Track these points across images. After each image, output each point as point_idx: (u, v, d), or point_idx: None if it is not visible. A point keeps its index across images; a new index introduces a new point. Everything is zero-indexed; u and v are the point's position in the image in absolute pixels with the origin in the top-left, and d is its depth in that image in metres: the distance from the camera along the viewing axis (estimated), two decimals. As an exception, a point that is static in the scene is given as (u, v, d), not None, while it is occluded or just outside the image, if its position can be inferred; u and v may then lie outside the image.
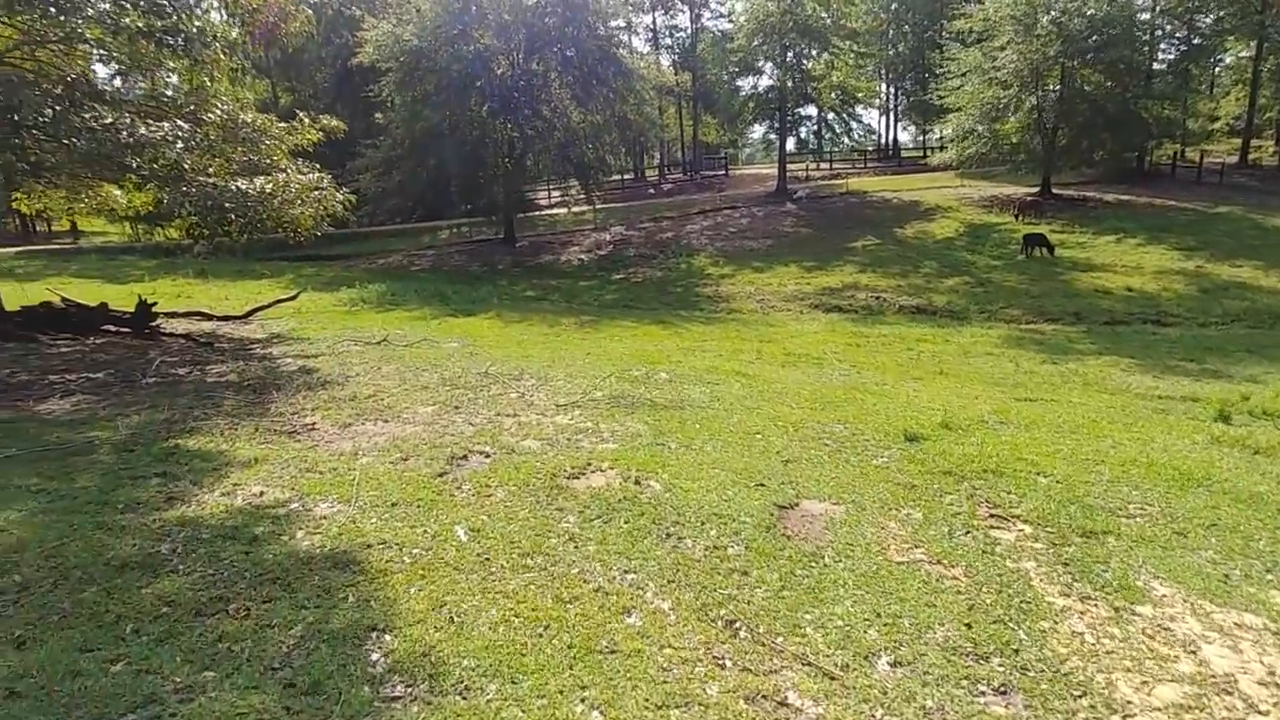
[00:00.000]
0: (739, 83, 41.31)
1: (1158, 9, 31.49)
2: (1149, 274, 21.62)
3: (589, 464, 5.37)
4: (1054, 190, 32.65)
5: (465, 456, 5.64)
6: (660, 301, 22.10)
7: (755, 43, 34.44)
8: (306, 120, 10.55)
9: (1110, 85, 30.38)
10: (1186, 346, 14.52)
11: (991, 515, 4.61)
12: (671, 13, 47.89)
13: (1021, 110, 30.91)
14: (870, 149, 53.49)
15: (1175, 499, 5.08)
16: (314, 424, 6.64)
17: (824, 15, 35.50)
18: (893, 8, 51.07)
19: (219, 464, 5.57)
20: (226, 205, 9.43)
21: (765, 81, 36.40)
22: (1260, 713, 2.88)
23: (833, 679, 2.99)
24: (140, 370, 9.11)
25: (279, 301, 15.00)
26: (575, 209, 35.34)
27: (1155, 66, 36.41)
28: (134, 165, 8.90)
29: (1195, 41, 38.19)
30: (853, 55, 38.19)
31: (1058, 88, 30.14)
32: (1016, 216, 29.14)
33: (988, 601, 3.53)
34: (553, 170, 32.36)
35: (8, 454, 5.78)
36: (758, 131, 43.22)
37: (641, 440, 6.28)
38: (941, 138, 39.84)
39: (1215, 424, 8.02)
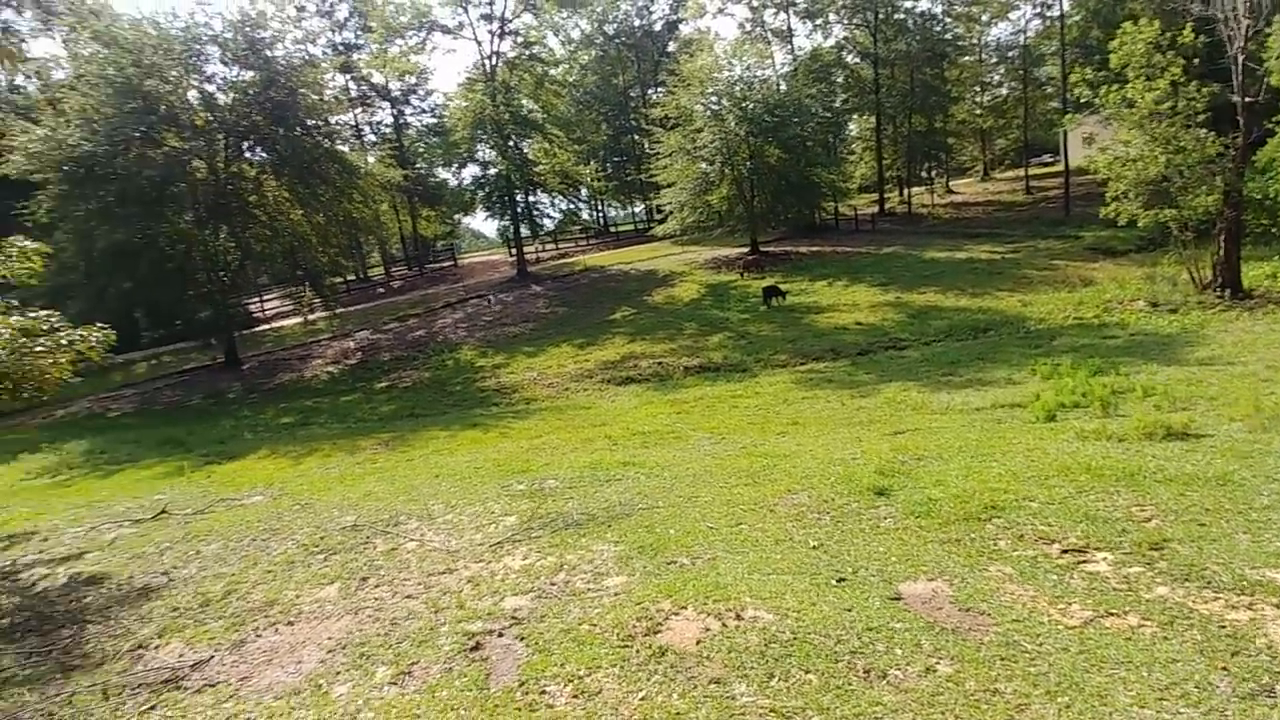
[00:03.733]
0: (464, 172, 41.37)
1: (805, 94, 38.14)
2: (866, 309, 25.31)
3: (644, 612, 4.38)
4: (760, 248, 37.21)
5: (476, 646, 4.26)
6: (446, 404, 20.49)
7: (476, 133, 34.81)
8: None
9: (788, 158, 35.73)
10: (935, 364, 17.00)
11: (1064, 551, 4.64)
12: (371, 109, 46.50)
13: (725, 182, 34.98)
14: (591, 227, 56.59)
15: (1145, 495, 5.61)
16: (201, 657, 4.63)
17: (535, 107, 37.21)
18: (584, 99, 55.32)
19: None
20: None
21: (492, 171, 36.79)
22: None
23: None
24: None
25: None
26: (301, 319, 31.84)
27: (807, 143, 44.04)
28: None
29: (830, 118, 46.96)
30: (568, 141, 40.42)
31: (750, 162, 34.66)
32: (742, 274, 32.56)
33: (1201, 639, 3.46)
34: (280, 279, 28.89)
35: None
36: (485, 220, 43.42)
37: (643, 564, 5.40)
38: (656, 210, 43.46)
39: (1050, 423, 9.34)
